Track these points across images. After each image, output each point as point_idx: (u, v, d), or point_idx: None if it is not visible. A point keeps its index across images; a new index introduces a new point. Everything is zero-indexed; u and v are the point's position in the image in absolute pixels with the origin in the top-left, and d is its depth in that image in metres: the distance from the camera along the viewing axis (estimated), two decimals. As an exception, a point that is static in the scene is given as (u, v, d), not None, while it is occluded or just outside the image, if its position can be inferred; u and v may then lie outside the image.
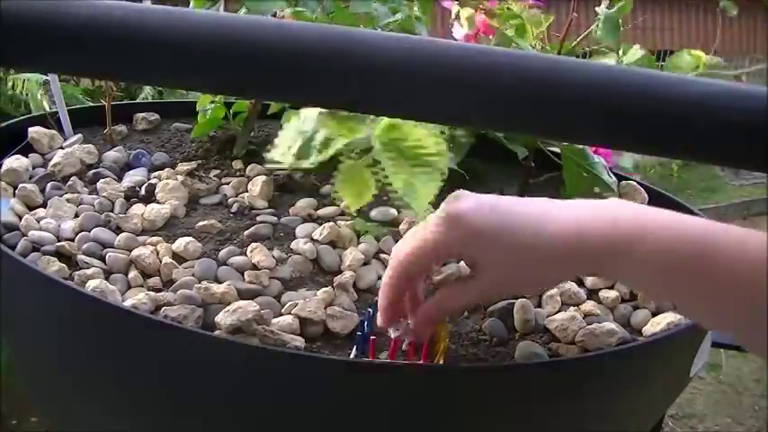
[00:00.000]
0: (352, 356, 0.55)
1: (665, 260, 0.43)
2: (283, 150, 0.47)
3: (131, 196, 0.73)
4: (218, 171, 0.82)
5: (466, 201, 0.47)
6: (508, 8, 0.87)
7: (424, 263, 0.50)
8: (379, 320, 0.52)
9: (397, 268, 0.50)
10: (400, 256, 0.50)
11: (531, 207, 0.48)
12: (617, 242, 0.44)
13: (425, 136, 0.47)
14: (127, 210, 0.70)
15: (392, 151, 0.46)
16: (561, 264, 0.46)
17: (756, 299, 0.40)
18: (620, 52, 0.85)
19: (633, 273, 0.45)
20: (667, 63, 0.82)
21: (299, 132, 0.47)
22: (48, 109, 1.35)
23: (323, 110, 0.47)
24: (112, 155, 0.82)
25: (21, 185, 0.70)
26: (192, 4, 0.86)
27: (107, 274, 0.60)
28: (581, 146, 0.81)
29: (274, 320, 0.57)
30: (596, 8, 0.85)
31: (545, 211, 0.47)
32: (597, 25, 0.84)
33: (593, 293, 0.68)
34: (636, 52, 0.83)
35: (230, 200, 0.75)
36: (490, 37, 0.89)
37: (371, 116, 0.47)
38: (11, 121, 0.87)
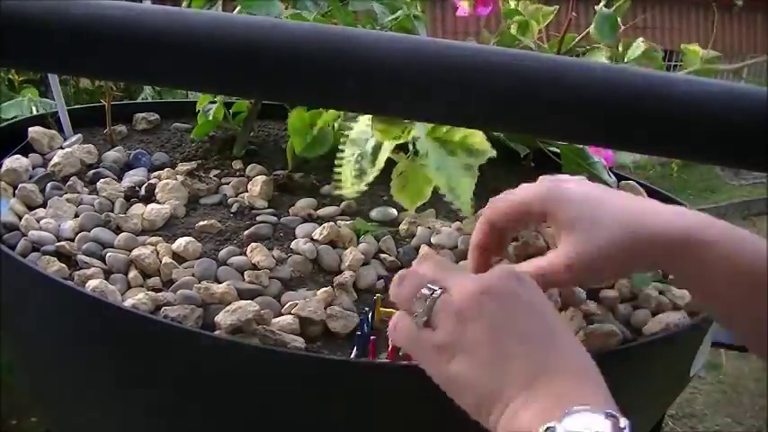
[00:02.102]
0: (352, 356, 0.55)
1: (734, 264, 0.43)
2: (347, 180, 0.48)
3: (131, 196, 0.73)
4: (218, 171, 0.82)
5: (565, 176, 0.50)
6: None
7: (518, 216, 0.51)
8: (470, 262, 0.52)
9: (490, 216, 0.50)
10: (496, 205, 0.50)
11: (624, 195, 0.50)
12: (695, 240, 0.44)
13: (474, 131, 0.48)
14: (127, 210, 0.70)
15: (442, 147, 0.48)
16: (646, 251, 0.46)
17: None
18: (620, 48, 0.85)
19: (702, 272, 0.45)
20: (683, 58, 0.83)
21: (348, 158, 0.48)
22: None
23: (370, 121, 0.48)
24: (112, 155, 0.82)
25: (21, 185, 0.70)
26: (184, 4, 0.86)
27: (107, 274, 0.60)
28: (581, 146, 0.81)
29: (274, 320, 0.57)
30: (595, 7, 0.85)
31: (639, 200, 0.49)
32: (593, 24, 0.84)
33: (593, 293, 0.68)
34: (638, 46, 0.83)
35: (230, 200, 0.75)
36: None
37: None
38: (11, 121, 0.87)
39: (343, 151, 0.49)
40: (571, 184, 0.49)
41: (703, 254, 0.44)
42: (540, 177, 0.50)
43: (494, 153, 0.48)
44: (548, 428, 0.36)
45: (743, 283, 0.44)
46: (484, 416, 0.41)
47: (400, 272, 0.48)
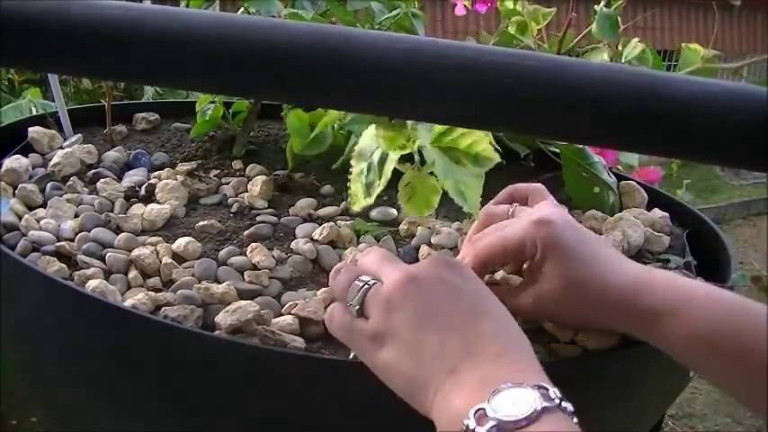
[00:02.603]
0: (351, 356, 0.55)
1: (708, 329, 0.43)
2: (359, 197, 0.49)
3: (131, 196, 0.73)
4: (218, 171, 0.82)
5: (556, 210, 0.51)
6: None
7: (502, 257, 0.53)
8: None
9: (473, 260, 0.52)
10: (478, 249, 0.52)
11: (610, 248, 0.52)
12: (667, 304, 0.45)
13: (481, 136, 0.48)
14: (127, 210, 0.70)
15: (448, 155, 0.48)
16: (616, 306, 0.49)
17: None
18: (620, 47, 0.85)
19: (674, 338, 0.46)
20: (679, 58, 0.82)
21: (358, 174, 0.49)
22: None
23: (376, 127, 0.49)
24: (112, 155, 0.82)
25: (21, 185, 0.70)
26: (183, 4, 0.86)
27: (107, 274, 0.60)
28: (581, 146, 0.81)
29: (274, 320, 0.57)
30: (595, 7, 0.85)
31: (618, 255, 0.51)
32: (595, 23, 0.84)
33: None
34: (635, 46, 0.83)
35: (230, 200, 0.75)
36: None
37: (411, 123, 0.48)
38: (11, 121, 0.87)
39: (351, 167, 0.50)
40: (563, 230, 0.51)
41: (656, 323, 0.46)
42: (524, 212, 0.53)
43: (499, 159, 0.48)
44: (477, 410, 0.37)
45: (702, 349, 0.45)
46: (417, 402, 0.42)
47: (338, 264, 0.50)
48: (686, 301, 0.45)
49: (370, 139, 0.50)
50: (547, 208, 0.52)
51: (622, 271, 0.49)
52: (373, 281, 0.47)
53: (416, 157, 0.49)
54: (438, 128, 0.48)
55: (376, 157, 0.48)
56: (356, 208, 0.50)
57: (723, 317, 0.44)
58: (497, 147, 0.48)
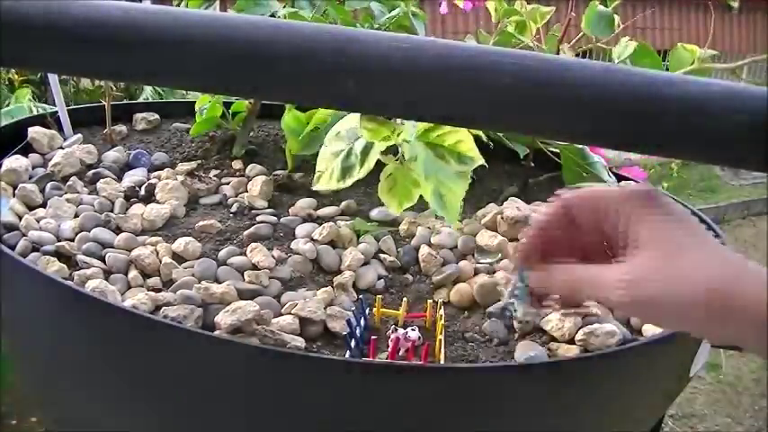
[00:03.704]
0: (346, 356, 0.55)
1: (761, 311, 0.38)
2: (327, 176, 0.48)
3: (131, 196, 0.73)
4: (218, 171, 0.82)
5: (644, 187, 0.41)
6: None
7: (592, 208, 0.42)
8: (515, 259, 0.45)
9: (560, 205, 0.43)
10: (569, 195, 0.42)
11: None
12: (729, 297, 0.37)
13: (466, 135, 0.47)
14: (127, 210, 0.70)
15: (432, 151, 0.47)
16: (716, 289, 0.37)
17: None
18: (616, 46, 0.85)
19: (734, 326, 0.38)
20: (669, 58, 0.82)
21: (333, 154, 0.47)
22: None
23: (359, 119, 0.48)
24: (112, 155, 0.82)
25: (21, 185, 0.70)
26: (182, 4, 0.86)
27: (107, 274, 0.60)
28: (581, 146, 0.81)
29: (274, 320, 0.57)
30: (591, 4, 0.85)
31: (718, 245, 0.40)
32: (584, 20, 0.84)
33: (593, 293, 0.68)
34: (627, 46, 0.83)
35: (230, 200, 0.75)
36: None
37: (399, 120, 0.47)
38: (11, 121, 0.87)
39: (325, 146, 0.48)
40: (661, 196, 0.41)
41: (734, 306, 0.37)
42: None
43: (482, 161, 0.47)
44: None
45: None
46: None
47: None
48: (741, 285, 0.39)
49: (350, 123, 0.49)
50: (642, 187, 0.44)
51: (725, 256, 0.38)
52: None
53: (400, 149, 0.48)
54: (423, 123, 0.47)
55: (359, 146, 0.47)
56: (319, 187, 0.48)
57: None
58: (490, 144, 0.47)
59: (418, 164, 0.46)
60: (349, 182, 0.47)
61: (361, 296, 0.63)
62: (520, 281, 0.45)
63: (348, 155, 0.47)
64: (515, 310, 0.52)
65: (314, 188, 0.48)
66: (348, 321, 0.58)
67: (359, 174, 0.46)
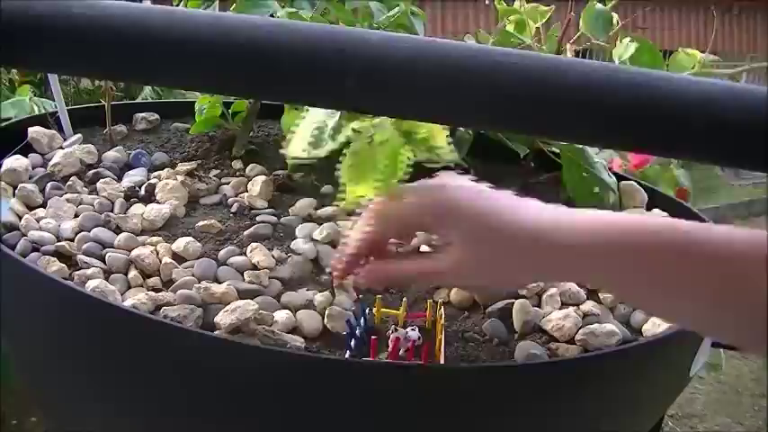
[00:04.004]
0: (346, 355, 0.55)
1: (646, 263, 0.42)
2: (298, 144, 0.47)
3: (131, 196, 0.73)
4: (218, 171, 0.82)
5: (452, 177, 0.48)
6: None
7: (400, 227, 0.49)
8: (340, 265, 0.50)
9: (374, 225, 0.49)
10: (370, 218, 0.49)
11: (515, 199, 0.47)
12: (597, 248, 0.43)
13: (438, 130, 0.47)
14: (127, 210, 0.70)
15: (405, 138, 0.47)
16: (532, 249, 0.44)
17: (748, 295, 0.39)
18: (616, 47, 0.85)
19: (610, 277, 0.44)
20: (669, 61, 0.82)
21: (312, 124, 0.48)
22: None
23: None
24: (112, 155, 0.82)
25: (21, 185, 0.70)
26: (181, 4, 0.86)
27: (107, 274, 0.60)
28: (581, 146, 0.81)
29: (274, 320, 0.57)
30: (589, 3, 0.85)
31: (530, 205, 0.46)
32: (582, 19, 0.84)
33: (592, 293, 0.68)
34: (628, 47, 0.83)
35: (230, 200, 0.75)
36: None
37: None
38: (11, 121, 0.87)
39: (307, 115, 0.48)
40: (461, 197, 0.46)
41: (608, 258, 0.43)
42: (425, 184, 0.48)
43: (454, 156, 0.47)
44: None
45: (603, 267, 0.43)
46: None
47: None
48: (620, 239, 0.44)
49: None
50: (440, 179, 0.49)
51: (528, 219, 0.45)
52: None
53: (372, 129, 0.47)
54: None
55: (331, 124, 0.47)
56: (289, 153, 0.48)
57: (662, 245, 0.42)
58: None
59: (386, 148, 0.46)
60: (317, 153, 0.47)
61: (360, 296, 0.62)
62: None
63: (322, 128, 0.47)
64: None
65: (283, 151, 0.48)
66: (348, 321, 0.58)
67: (327, 147, 0.46)
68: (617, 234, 0.43)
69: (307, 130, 0.48)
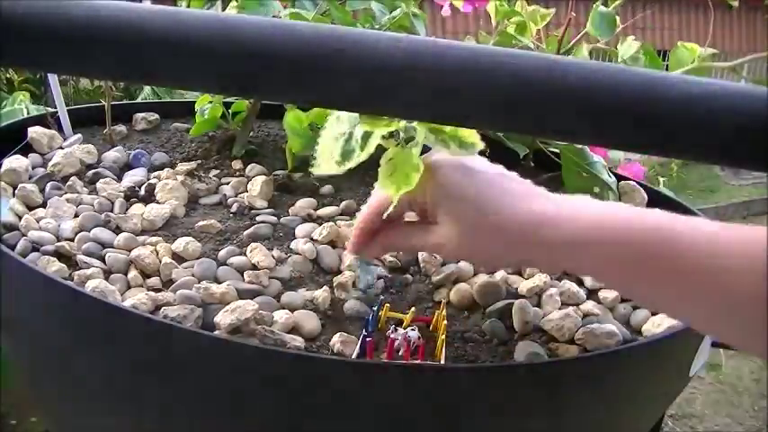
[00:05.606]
0: (354, 356, 0.55)
1: (624, 254, 0.43)
2: (327, 160, 0.47)
3: (131, 196, 0.73)
4: (218, 171, 0.82)
5: (441, 154, 0.49)
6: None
7: (409, 201, 0.52)
8: (349, 247, 0.54)
9: (373, 204, 0.52)
10: (379, 195, 0.52)
11: (520, 188, 0.49)
12: (578, 234, 0.44)
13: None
14: (126, 210, 0.70)
15: (434, 136, 0.47)
16: (520, 241, 0.46)
17: (725, 296, 0.39)
18: (618, 46, 0.85)
19: (592, 267, 0.45)
20: (669, 57, 0.82)
21: (335, 137, 0.47)
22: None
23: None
24: (112, 155, 0.82)
25: (20, 185, 0.70)
26: (183, 4, 0.86)
27: (107, 274, 0.60)
28: (581, 146, 0.81)
29: (274, 320, 0.57)
30: (594, 5, 0.85)
31: (533, 194, 0.49)
32: (589, 21, 0.84)
33: (592, 293, 0.68)
34: (631, 45, 0.83)
35: (230, 200, 0.75)
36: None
37: None
38: (11, 121, 0.87)
39: (325, 128, 0.48)
40: (442, 164, 0.49)
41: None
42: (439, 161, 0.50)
43: (483, 146, 0.48)
44: None
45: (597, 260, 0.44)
46: None
47: None
48: (599, 228, 0.45)
49: None
50: (436, 155, 0.51)
51: (523, 207, 0.47)
52: None
53: (401, 134, 0.47)
54: None
55: (359, 131, 0.47)
56: (319, 171, 0.48)
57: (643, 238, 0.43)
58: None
59: (419, 148, 0.47)
60: (349, 165, 0.46)
61: (361, 295, 0.62)
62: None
63: (349, 138, 0.47)
64: (361, 283, 0.61)
65: (312, 171, 0.48)
66: (366, 322, 0.57)
67: (359, 158, 0.46)
68: (609, 237, 0.44)
69: (332, 144, 0.47)
